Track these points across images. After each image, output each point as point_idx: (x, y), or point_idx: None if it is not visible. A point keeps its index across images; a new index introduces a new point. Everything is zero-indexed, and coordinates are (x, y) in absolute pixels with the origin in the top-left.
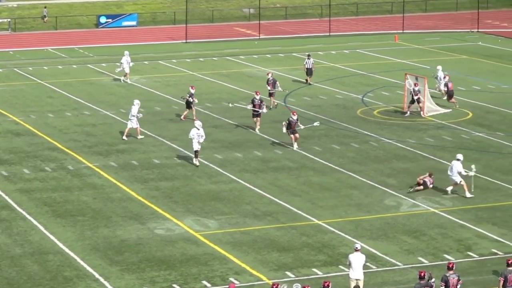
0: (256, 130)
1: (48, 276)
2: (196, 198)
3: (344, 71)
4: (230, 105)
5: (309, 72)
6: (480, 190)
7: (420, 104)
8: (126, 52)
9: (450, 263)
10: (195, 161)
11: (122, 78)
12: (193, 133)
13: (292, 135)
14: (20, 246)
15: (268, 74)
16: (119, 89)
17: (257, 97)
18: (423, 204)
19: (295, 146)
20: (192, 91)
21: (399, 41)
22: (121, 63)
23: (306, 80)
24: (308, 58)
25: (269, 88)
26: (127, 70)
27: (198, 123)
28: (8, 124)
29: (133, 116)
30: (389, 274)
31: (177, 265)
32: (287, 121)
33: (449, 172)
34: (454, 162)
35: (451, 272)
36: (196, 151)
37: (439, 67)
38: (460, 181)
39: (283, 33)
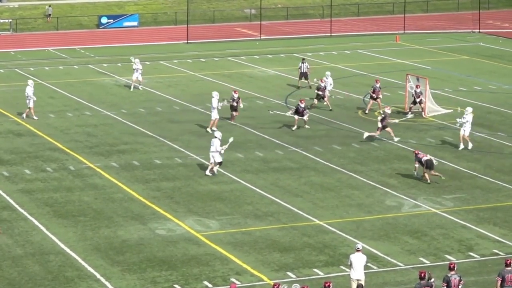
0: (294, 128)
1: (49, 277)
2: (197, 198)
3: (345, 71)
4: (271, 112)
5: (303, 76)
6: (481, 191)
7: (422, 105)
8: (137, 60)
9: (451, 264)
10: (215, 170)
11: (139, 85)
12: (217, 144)
13: (387, 129)
14: (22, 246)
15: (321, 81)
16: (120, 90)
17: (302, 105)
18: (425, 204)
19: (395, 139)
20: (236, 95)
21: (400, 42)
22: (135, 69)
23: (300, 86)
24: (303, 63)
25: (320, 92)
26: (140, 78)
27: (219, 134)
28: (9, 125)
29: (214, 108)
30: (390, 274)
31: (179, 266)
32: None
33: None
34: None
35: (452, 272)
36: (220, 162)
37: (328, 73)
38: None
39: (284, 34)
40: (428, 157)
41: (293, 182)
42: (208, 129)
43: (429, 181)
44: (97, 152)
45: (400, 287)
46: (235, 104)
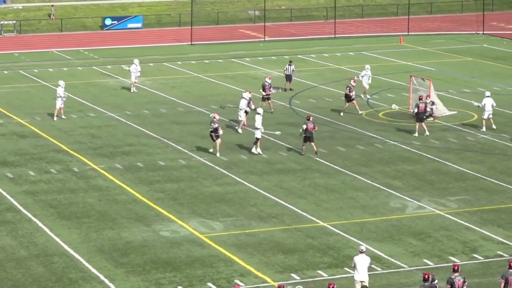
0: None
1: (53, 278)
2: (201, 200)
3: (349, 73)
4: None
5: (288, 78)
6: (485, 192)
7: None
8: (136, 61)
9: (455, 265)
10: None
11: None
12: (258, 120)
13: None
14: (26, 248)
15: (352, 81)
16: (124, 91)
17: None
18: (429, 206)
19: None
20: (249, 95)
21: (404, 43)
22: (130, 71)
23: (286, 88)
24: (289, 65)
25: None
26: (134, 79)
27: (261, 110)
28: (13, 126)
29: (241, 109)
30: (394, 276)
31: (182, 267)
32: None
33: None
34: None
35: (456, 274)
36: (257, 139)
37: (368, 66)
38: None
39: (288, 35)
40: (305, 132)
41: (297, 184)
42: (239, 129)
43: (302, 152)
44: (101, 154)
45: None
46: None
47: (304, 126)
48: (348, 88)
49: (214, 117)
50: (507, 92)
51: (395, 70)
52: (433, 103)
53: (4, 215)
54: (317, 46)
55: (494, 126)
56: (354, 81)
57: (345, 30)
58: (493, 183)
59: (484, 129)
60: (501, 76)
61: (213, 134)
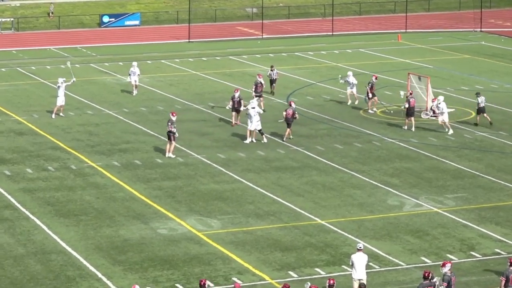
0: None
1: (51, 276)
2: (199, 197)
3: (347, 70)
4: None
5: (272, 82)
6: (483, 190)
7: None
8: (134, 63)
9: (445, 263)
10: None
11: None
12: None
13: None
14: (23, 245)
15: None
16: (122, 89)
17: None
18: (426, 204)
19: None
20: (236, 94)
21: (402, 41)
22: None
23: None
24: (272, 70)
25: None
26: (135, 82)
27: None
28: (11, 124)
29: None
30: (392, 274)
31: (180, 265)
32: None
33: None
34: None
35: (449, 271)
36: (259, 130)
37: (350, 73)
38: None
39: (286, 33)
40: (285, 118)
41: (295, 181)
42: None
43: (284, 138)
44: (99, 151)
45: (402, 286)
46: (229, 103)
47: (284, 113)
48: (370, 85)
49: (171, 118)
50: (504, 89)
51: (392, 67)
52: (438, 107)
53: (1, 213)
54: (314, 44)
55: (449, 129)
56: (376, 78)
57: (342, 27)
58: (490, 181)
59: (451, 131)
60: (498, 74)
61: (171, 134)
